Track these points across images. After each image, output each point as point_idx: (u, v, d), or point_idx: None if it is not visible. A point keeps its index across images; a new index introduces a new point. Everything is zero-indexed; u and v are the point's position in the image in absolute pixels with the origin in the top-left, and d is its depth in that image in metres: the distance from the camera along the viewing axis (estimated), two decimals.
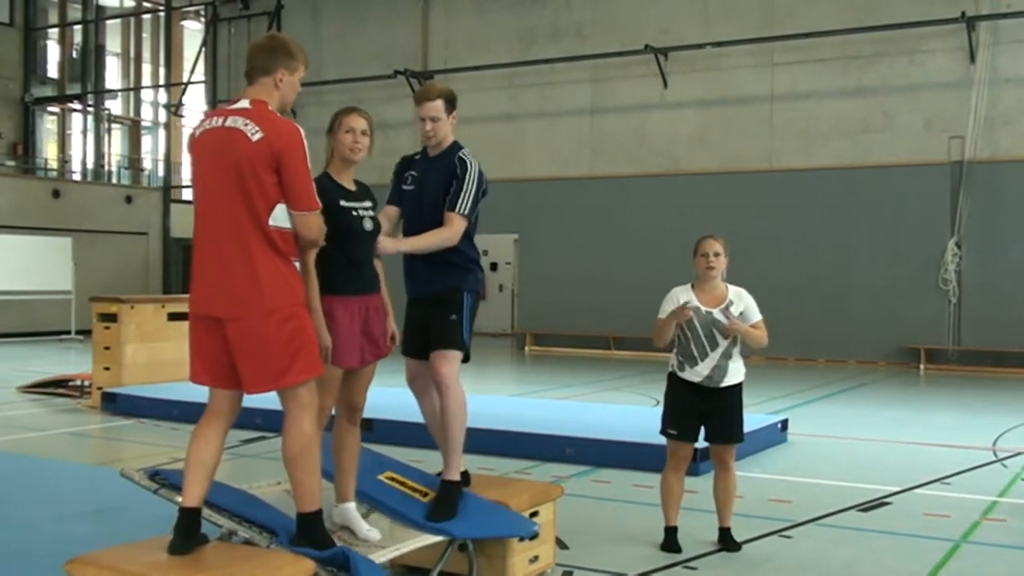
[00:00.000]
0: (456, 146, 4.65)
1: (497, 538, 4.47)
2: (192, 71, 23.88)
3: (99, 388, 10.51)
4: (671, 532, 5.27)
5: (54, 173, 26.16)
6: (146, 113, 28.86)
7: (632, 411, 10.14)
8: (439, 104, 4.57)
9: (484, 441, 7.17)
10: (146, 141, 28.80)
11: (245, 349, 3.60)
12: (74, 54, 26.86)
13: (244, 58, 3.89)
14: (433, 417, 4.70)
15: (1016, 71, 15.62)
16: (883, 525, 5.88)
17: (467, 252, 4.63)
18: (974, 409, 11.46)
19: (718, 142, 17.65)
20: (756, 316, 5.19)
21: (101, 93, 26.89)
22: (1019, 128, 15.60)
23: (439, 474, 4.64)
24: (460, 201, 4.51)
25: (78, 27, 26.74)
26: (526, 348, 19.09)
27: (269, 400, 3.84)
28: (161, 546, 3.62)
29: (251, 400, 3.82)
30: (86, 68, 26.36)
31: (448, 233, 4.48)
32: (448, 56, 20.21)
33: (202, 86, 24.09)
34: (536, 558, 4.65)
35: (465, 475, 4.62)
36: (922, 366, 15.76)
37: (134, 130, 28.26)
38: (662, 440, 5.36)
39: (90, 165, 26.67)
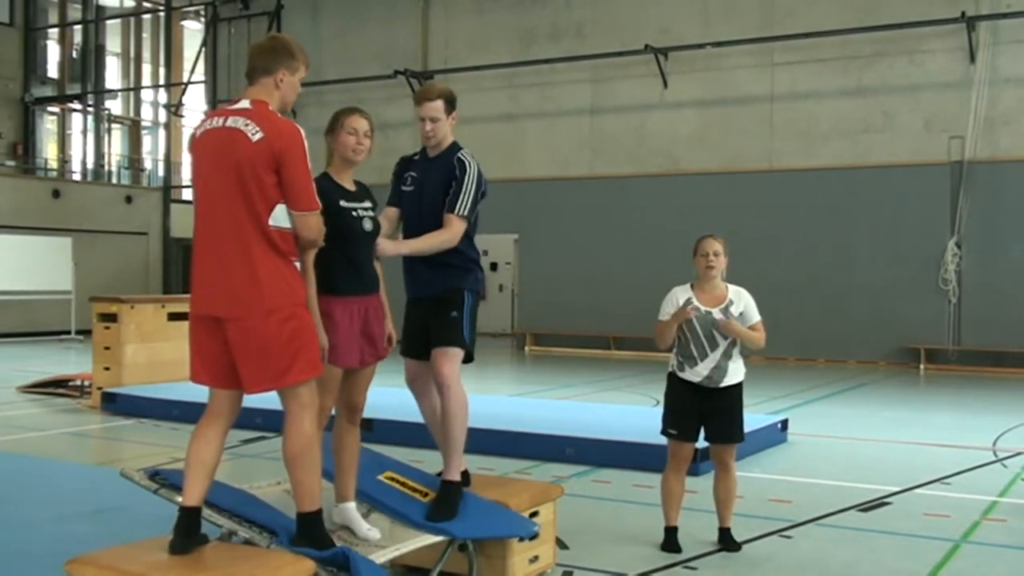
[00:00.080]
0: (456, 147, 4.65)
1: (497, 538, 4.47)
2: (192, 71, 23.88)
3: (99, 388, 10.51)
4: (671, 532, 5.27)
5: (54, 173, 26.16)
6: (146, 113, 28.86)
7: (632, 411, 10.14)
8: (439, 104, 4.57)
9: (484, 441, 7.16)
10: (146, 141, 28.80)
11: (245, 349, 3.60)
12: (74, 54, 26.86)
13: (244, 58, 3.90)
14: (433, 417, 4.70)
15: (1016, 71, 15.62)
16: (883, 525, 5.88)
17: (467, 252, 4.63)
18: (974, 409, 11.46)
19: (718, 142, 17.65)
20: (755, 317, 5.19)
21: (101, 93, 26.89)
22: (1019, 128, 15.60)
23: (439, 474, 4.64)
24: (459, 202, 4.50)
25: (78, 27, 26.74)
26: (526, 348, 19.09)
27: (269, 400, 3.84)
28: (161, 546, 3.62)
29: (251, 400, 3.82)
30: (86, 68, 26.36)
31: (448, 235, 4.48)
32: (448, 56, 20.21)
33: (202, 86, 24.08)
34: (536, 558, 4.65)
35: (465, 475, 4.62)
36: (922, 366, 15.76)
37: (134, 130, 28.26)
38: (662, 440, 5.36)
39: (90, 165, 26.67)
